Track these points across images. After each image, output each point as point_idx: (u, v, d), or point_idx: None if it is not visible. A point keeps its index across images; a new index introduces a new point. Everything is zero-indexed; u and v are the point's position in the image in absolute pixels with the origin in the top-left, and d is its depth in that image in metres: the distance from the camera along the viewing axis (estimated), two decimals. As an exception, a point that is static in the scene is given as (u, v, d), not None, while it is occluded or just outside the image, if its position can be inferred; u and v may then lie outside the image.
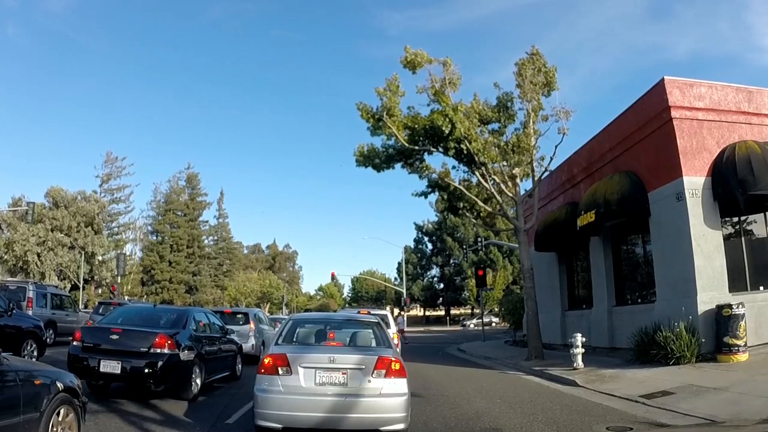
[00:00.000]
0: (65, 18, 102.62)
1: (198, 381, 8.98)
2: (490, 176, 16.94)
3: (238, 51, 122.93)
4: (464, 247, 58.09)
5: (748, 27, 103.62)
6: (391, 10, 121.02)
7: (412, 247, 70.93)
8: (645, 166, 14.01)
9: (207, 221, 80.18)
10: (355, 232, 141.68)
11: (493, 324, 46.10)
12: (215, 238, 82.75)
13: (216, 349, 10.22)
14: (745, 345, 11.09)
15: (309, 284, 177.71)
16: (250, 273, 78.01)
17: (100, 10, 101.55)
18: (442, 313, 72.90)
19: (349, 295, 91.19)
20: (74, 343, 8.44)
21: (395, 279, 74.45)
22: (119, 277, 45.82)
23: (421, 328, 56.46)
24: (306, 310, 62.12)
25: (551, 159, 16.69)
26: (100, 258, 51.24)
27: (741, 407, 7.50)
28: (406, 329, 34.87)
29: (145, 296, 65.23)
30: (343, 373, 5.82)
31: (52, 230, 47.80)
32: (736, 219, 13.24)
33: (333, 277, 65.84)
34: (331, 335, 7.33)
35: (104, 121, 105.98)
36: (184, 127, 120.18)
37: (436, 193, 19.92)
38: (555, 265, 20.24)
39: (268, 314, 26.89)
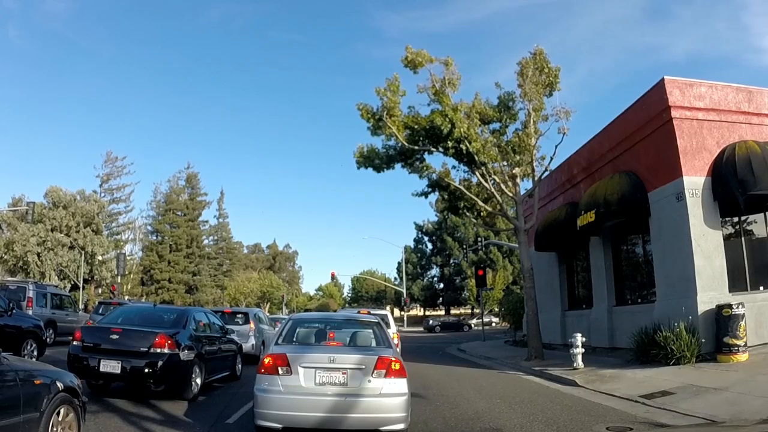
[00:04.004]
0: (65, 19, 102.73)
1: (198, 381, 8.98)
2: (490, 176, 16.93)
3: (238, 52, 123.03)
4: (464, 247, 57.98)
5: (746, 28, 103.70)
6: (389, 12, 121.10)
7: (412, 247, 70.88)
8: (645, 166, 14.01)
9: (207, 221, 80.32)
10: (355, 232, 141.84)
11: (493, 324, 46.05)
12: (215, 238, 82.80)
13: (216, 349, 10.22)
14: (745, 345, 11.08)
15: (309, 284, 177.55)
16: (250, 273, 77.96)
17: (100, 11, 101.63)
18: (442, 313, 72.78)
19: (349, 295, 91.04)
20: (74, 342, 8.44)
21: (395, 279, 74.41)
22: (119, 277, 45.84)
23: (422, 328, 56.35)
24: (306, 310, 62.09)
25: (551, 159, 16.74)
26: (100, 258, 51.21)
27: (741, 407, 7.50)
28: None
29: (145, 296, 65.19)
30: (343, 373, 5.81)
31: (51, 230, 47.80)
32: (736, 219, 13.24)
33: (333, 277, 66.14)
34: (331, 335, 7.34)
35: (104, 121, 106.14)
36: (184, 127, 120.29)
37: (436, 193, 19.92)
38: (555, 265, 20.23)
39: (268, 314, 26.87)
